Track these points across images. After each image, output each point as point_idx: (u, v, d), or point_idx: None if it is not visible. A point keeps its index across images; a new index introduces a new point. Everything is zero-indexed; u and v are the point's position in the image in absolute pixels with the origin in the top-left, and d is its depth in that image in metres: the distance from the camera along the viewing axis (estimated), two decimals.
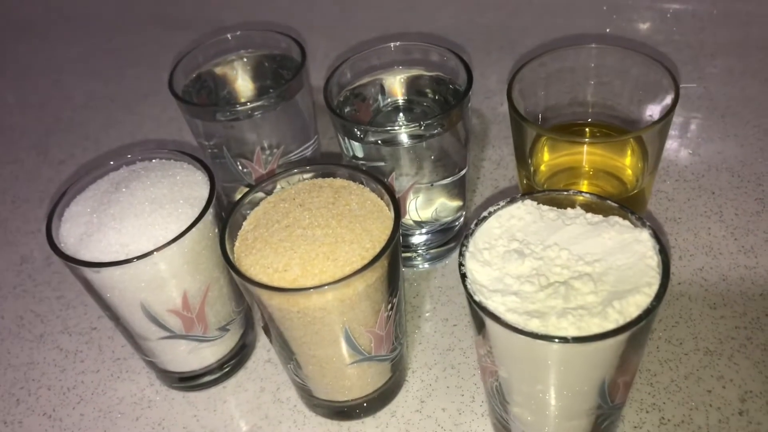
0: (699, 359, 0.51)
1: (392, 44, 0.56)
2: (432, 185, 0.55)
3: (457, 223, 0.60)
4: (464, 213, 0.61)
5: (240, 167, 0.60)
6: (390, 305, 0.45)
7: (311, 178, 0.49)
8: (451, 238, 0.61)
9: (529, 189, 0.55)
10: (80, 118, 0.86)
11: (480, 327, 0.40)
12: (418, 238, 0.59)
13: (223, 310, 0.51)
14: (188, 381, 0.54)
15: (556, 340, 0.35)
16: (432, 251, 0.61)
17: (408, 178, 0.54)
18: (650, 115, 0.51)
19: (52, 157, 0.81)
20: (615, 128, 0.53)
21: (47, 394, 0.56)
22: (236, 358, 0.55)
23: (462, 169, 0.56)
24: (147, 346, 0.51)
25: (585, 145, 0.53)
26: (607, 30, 0.84)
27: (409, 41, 0.57)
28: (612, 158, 0.53)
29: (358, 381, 0.49)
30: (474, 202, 0.66)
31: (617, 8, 0.86)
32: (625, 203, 0.42)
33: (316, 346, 0.45)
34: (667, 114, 0.47)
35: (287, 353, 0.47)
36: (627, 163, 0.53)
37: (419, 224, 0.58)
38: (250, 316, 0.56)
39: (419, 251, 0.60)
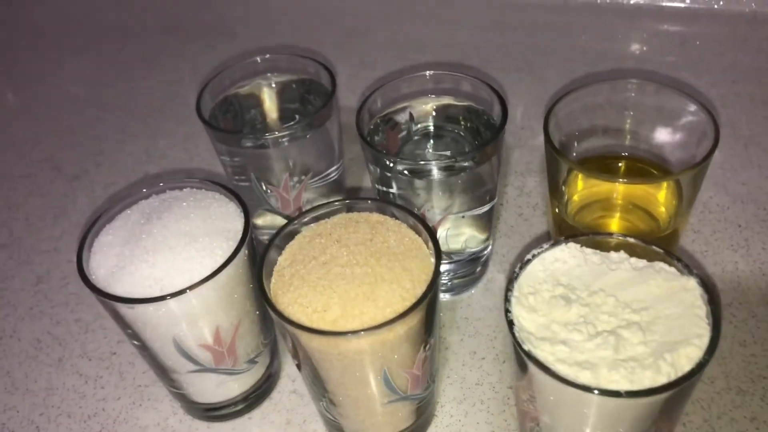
0: (731, 399, 0.51)
1: (427, 73, 0.56)
2: (463, 216, 0.54)
3: (484, 253, 0.60)
4: (491, 243, 0.60)
5: (265, 191, 0.59)
6: (427, 345, 0.45)
7: (345, 212, 0.48)
8: (477, 268, 0.60)
9: (560, 219, 0.54)
10: (93, 132, 0.85)
11: (523, 373, 0.40)
12: (444, 268, 0.59)
13: (252, 342, 0.51)
14: (213, 411, 0.53)
15: (609, 395, 0.35)
16: (457, 281, 0.60)
17: (439, 210, 0.53)
18: (690, 155, 0.50)
19: (66, 172, 0.80)
20: (652, 164, 0.53)
21: (67, 422, 0.55)
22: (262, 389, 0.54)
23: (493, 200, 0.56)
24: (175, 378, 0.50)
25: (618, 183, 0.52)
26: (632, 48, 0.84)
27: (440, 70, 0.56)
28: (647, 194, 0.53)
29: (391, 418, 0.48)
30: (498, 230, 0.65)
31: (637, 30, 0.86)
32: (658, 242, 0.42)
33: (353, 386, 0.44)
34: (706, 158, 0.47)
35: (320, 390, 0.46)
36: (661, 200, 0.52)
37: (448, 255, 0.57)
38: (275, 346, 0.56)
39: (444, 281, 0.60)
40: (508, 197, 0.68)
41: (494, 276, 0.62)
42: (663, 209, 0.53)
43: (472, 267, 0.60)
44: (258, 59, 0.60)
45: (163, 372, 0.50)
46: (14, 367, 0.60)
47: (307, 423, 0.53)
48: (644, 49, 0.84)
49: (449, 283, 0.60)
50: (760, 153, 0.69)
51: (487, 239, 0.59)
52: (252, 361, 0.51)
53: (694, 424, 0.50)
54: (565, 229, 0.54)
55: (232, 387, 0.52)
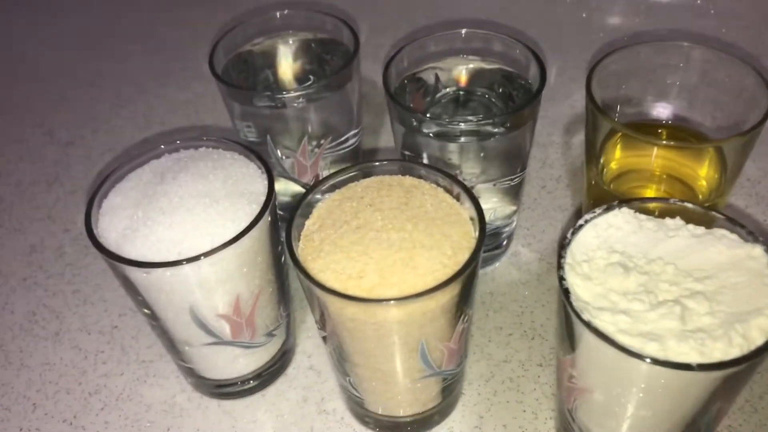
0: None
1: (462, 30, 0.52)
2: (494, 185, 0.51)
3: (510, 226, 0.57)
4: (517, 216, 0.57)
5: (281, 156, 0.55)
6: (465, 317, 0.42)
7: (375, 174, 0.45)
8: (502, 242, 0.57)
9: (595, 187, 0.51)
10: (87, 97, 0.81)
11: (573, 347, 0.37)
12: None
13: (272, 314, 0.47)
14: (225, 388, 0.50)
15: (680, 368, 0.32)
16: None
17: (470, 177, 0.50)
18: (736, 124, 0.48)
19: (59, 138, 0.75)
20: (694, 134, 0.50)
21: (66, 399, 0.52)
22: (277, 365, 0.51)
23: (524, 169, 0.53)
24: (187, 352, 0.46)
25: (660, 148, 0.49)
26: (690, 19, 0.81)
27: (473, 28, 0.53)
28: (687, 165, 0.50)
29: (420, 396, 0.45)
30: (522, 202, 0.62)
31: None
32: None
33: (386, 360, 0.41)
34: (757, 126, 0.44)
35: (348, 365, 0.43)
36: (702, 173, 0.50)
37: None
38: (291, 320, 0.52)
39: None
40: (531, 169, 0.65)
41: (519, 250, 0.59)
42: (703, 182, 0.50)
43: (497, 240, 0.57)
44: (277, 14, 0.56)
45: (173, 345, 0.47)
46: (7, 341, 0.56)
47: (325, 401, 0.50)
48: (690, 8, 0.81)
49: None
50: None
51: (515, 212, 0.56)
52: (270, 334, 0.48)
53: (735, 405, 0.47)
54: (599, 200, 0.51)
55: (247, 362, 0.49)
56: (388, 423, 0.47)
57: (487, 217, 0.53)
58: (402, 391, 0.44)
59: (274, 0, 0.86)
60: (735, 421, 0.47)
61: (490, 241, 0.56)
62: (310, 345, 0.54)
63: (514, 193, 0.54)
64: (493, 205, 0.53)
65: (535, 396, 0.49)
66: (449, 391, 0.47)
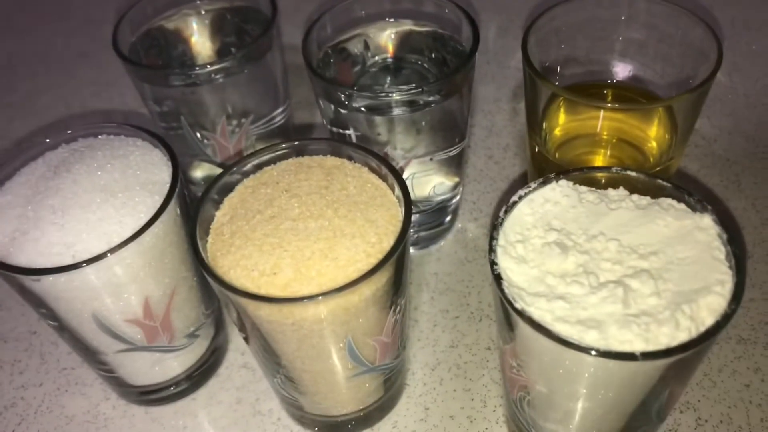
0: (732, 349, 0.46)
1: None
2: (431, 159, 0.47)
3: (453, 201, 0.53)
4: (461, 189, 0.54)
5: (200, 139, 0.51)
6: (397, 308, 0.38)
7: (295, 156, 0.41)
8: (446, 218, 0.54)
9: (539, 158, 0.48)
10: (3, 83, 0.75)
11: (511, 336, 0.33)
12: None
13: (191, 314, 0.43)
14: (152, 394, 0.46)
15: (623, 358, 0.29)
16: (424, 233, 0.54)
17: (403, 152, 0.46)
18: (684, 80, 0.44)
19: None
20: (642, 93, 0.47)
21: None
22: (206, 365, 0.47)
23: (462, 140, 0.49)
24: (102, 360, 0.42)
25: (605, 111, 0.46)
26: None
27: None
28: (636, 127, 0.46)
29: (357, 393, 0.42)
30: (467, 174, 0.58)
31: None
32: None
33: (312, 360, 0.37)
34: (706, 81, 0.41)
35: (273, 366, 0.39)
36: (652, 134, 0.46)
37: (414, 204, 0.50)
38: (220, 315, 0.48)
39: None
40: (476, 138, 0.62)
41: (465, 225, 0.55)
42: (654, 144, 0.47)
43: (440, 217, 0.53)
44: None
45: (88, 354, 0.43)
46: None
47: (260, 401, 0.47)
48: None
49: (416, 236, 0.53)
50: (745, 81, 0.64)
51: (457, 185, 0.52)
52: (192, 335, 0.44)
53: (693, 380, 0.45)
54: (545, 169, 0.48)
55: (172, 365, 0.45)
56: (326, 423, 0.44)
57: (426, 192, 0.50)
58: (336, 390, 0.41)
59: None
60: (693, 397, 0.44)
61: (432, 219, 0.53)
62: (243, 341, 0.50)
63: (455, 165, 0.50)
64: (432, 180, 0.49)
65: (484, 382, 0.46)
66: (390, 384, 0.44)
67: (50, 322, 0.40)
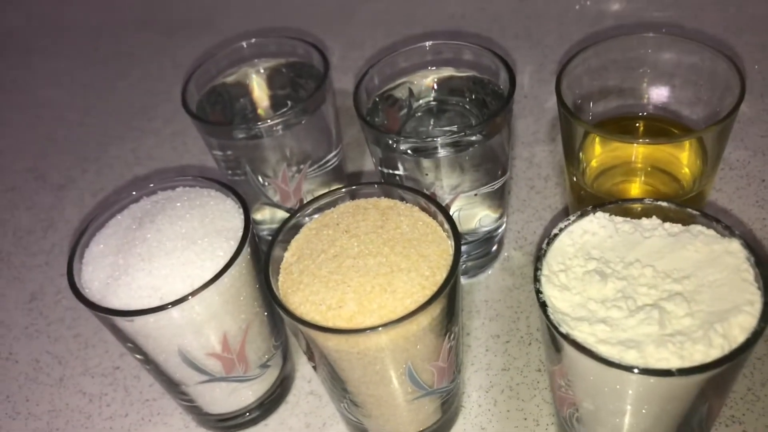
0: None
1: (426, 43, 0.52)
2: (476, 194, 0.51)
3: (498, 231, 0.56)
4: (506, 219, 0.57)
5: (262, 184, 0.55)
6: (452, 335, 0.42)
7: (351, 199, 0.45)
8: (492, 247, 0.57)
9: (578, 189, 0.51)
10: (75, 137, 0.81)
11: (558, 358, 0.37)
12: None
13: (263, 346, 0.47)
14: (228, 421, 0.50)
15: (659, 375, 0.32)
16: (472, 263, 0.57)
17: (449, 189, 0.50)
18: (712, 110, 0.47)
19: (51, 181, 0.76)
20: (672, 123, 0.50)
21: None
22: (276, 393, 0.51)
23: (504, 174, 0.52)
24: (184, 391, 0.47)
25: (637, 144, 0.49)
26: (632, 5, 0.80)
27: (439, 40, 0.53)
28: (669, 155, 0.49)
29: (417, 415, 0.45)
30: (510, 205, 0.62)
31: None
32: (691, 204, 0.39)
33: (376, 385, 0.41)
34: (732, 111, 0.44)
35: (340, 392, 0.43)
36: (684, 161, 0.49)
37: (462, 237, 0.54)
38: (287, 347, 0.52)
39: None
40: (517, 170, 0.65)
41: (510, 254, 0.59)
42: (687, 170, 0.50)
43: (486, 247, 0.57)
44: (244, 44, 0.56)
45: (170, 385, 0.47)
46: (14, 390, 0.57)
47: (327, 426, 0.50)
48: (641, 7, 0.81)
49: (464, 266, 0.57)
50: None
51: (501, 216, 0.56)
52: (264, 366, 0.48)
53: (737, 394, 0.47)
54: (584, 198, 0.51)
55: (246, 394, 0.49)
56: None
57: (473, 225, 0.53)
58: (398, 413, 0.44)
59: (255, 27, 0.87)
60: (738, 411, 0.46)
61: (479, 249, 0.56)
62: (309, 370, 0.54)
63: (498, 197, 0.54)
64: (477, 214, 0.53)
65: (536, 402, 0.49)
66: (447, 407, 0.47)
67: (137, 356, 0.45)
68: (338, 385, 0.42)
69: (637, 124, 0.51)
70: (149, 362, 0.45)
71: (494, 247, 0.57)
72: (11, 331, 0.61)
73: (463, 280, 0.57)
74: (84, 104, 0.86)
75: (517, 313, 0.54)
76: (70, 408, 0.55)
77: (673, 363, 0.33)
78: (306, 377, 0.53)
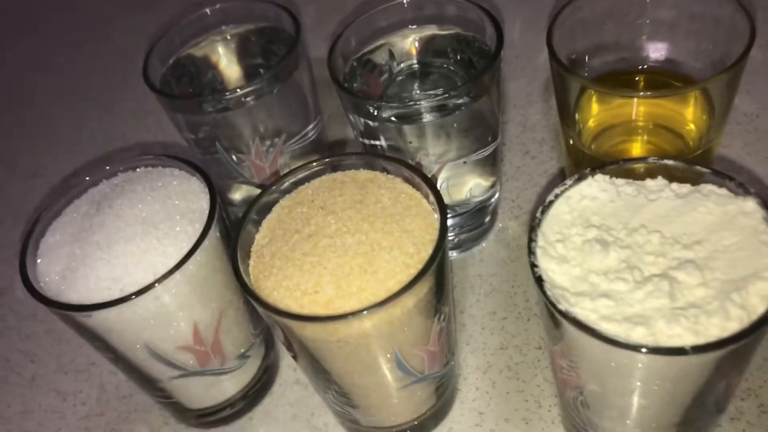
0: None
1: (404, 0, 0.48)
2: (464, 162, 0.47)
3: (491, 201, 0.53)
4: (499, 188, 0.53)
5: (236, 162, 0.51)
6: (442, 315, 0.38)
7: (329, 172, 0.41)
8: (485, 218, 0.53)
9: (575, 151, 0.47)
10: (46, 120, 0.77)
11: (559, 337, 0.33)
12: (449, 223, 0.52)
13: (240, 335, 0.44)
14: (209, 416, 0.47)
15: (672, 353, 0.28)
16: (464, 235, 0.53)
17: (436, 157, 0.46)
18: (717, 60, 0.43)
19: (22, 169, 0.72)
20: (675, 76, 0.46)
21: None
22: (260, 384, 0.48)
23: (495, 139, 0.49)
24: (159, 387, 0.43)
25: (638, 99, 0.45)
26: None
27: None
28: (672, 111, 0.45)
29: (409, 403, 0.42)
30: (504, 172, 0.58)
31: None
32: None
33: (361, 374, 0.37)
34: (740, 60, 0.40)
35: (324, 383, 0.40)
36: (689, 117, 0.45)
37: (451, 208, 0.50)
38: (269, 334, 0.49)
39: (450, 238, 0.53)
40: (510, 135, 0.61)
41: (506, 224, 0.55)
42: (692, 126, 0.46)
43: (479, 218, 0.53)
44: (207, 11, 0.52)
45: (145, 382, 0.44)
46: None
47: (315, 416, 0.47)
48: None
49: (456, 239, 0.53)
50: None
51: (494, 185, 0.52)
52: (243, 357, 0.45)
53: (752, 365, 0.43)
54: (582, 162, 0.47)
55: (226, 387, 0.46)
56: None
57: (463, 195, 0.50)
58: (388, 402, 0.41)
59: None
60: (754, 383, 0.43)
61: (472, 220, 0.52)
62: None
63: (490, 165, 0.50)
64: (467, 183, 0.49)
65: (537, 382, 0.46)
66: (442, 391, 0.44)
67: (106, 354, 0.42)
68: (321, 375, 0.39)
69: (637, 78, 0.47)
70: (119, 359, 0.41)
71: (488, 218, 0.53)
72: None
73: (455, 254, 0.54)
74: (54, 86, 0.82)
75: (514, 288, 0.51)
76: (43, 408, 0.52)
77: (687, 340, 0.29)
78: (291, 365, 0.50)
